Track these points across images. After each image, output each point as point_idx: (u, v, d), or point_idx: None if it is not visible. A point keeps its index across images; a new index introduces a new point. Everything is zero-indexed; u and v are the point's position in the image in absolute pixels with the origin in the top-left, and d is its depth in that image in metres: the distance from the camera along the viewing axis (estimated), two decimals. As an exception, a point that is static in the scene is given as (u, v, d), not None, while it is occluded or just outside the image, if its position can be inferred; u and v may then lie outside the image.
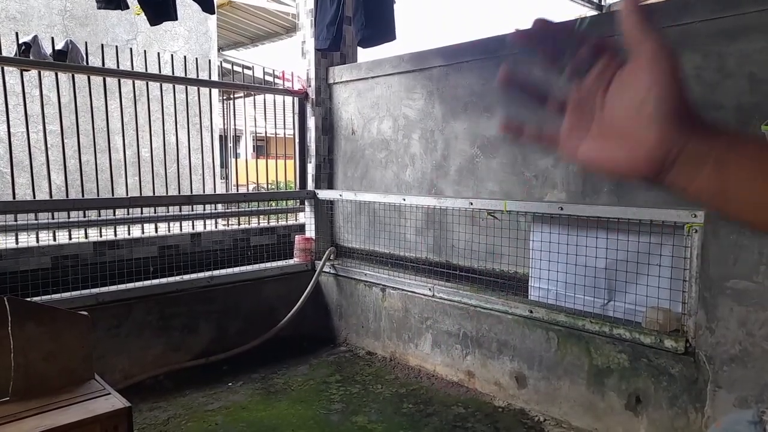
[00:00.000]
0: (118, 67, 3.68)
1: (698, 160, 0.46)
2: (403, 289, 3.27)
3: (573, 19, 3.48)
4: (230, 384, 3.01)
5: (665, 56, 0.46)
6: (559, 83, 0.55)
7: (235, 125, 8.64)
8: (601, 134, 0.50)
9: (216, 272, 3.42)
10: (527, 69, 0.56)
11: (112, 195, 3.70)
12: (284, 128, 4.53)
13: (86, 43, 3.75)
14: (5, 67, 3.19)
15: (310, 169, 4.02)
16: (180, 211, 4.15)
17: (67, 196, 3.65)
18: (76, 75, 3.60)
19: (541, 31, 0.51)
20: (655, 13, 2.45)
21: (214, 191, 5.01)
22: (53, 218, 3.54)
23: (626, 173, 0.49)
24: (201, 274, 3.36)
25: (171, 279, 3.22)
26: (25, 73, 3.51)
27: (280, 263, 3.79)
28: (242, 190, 6.11)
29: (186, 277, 3.28)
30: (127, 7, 3.21)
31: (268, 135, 5.20)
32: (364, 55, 4.09)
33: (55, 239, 3.47)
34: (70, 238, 3.60)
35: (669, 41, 0.47)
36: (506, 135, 0.60)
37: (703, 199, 0.48)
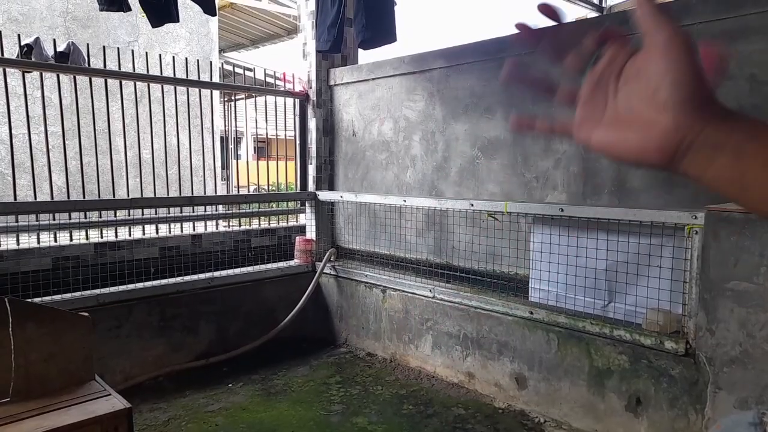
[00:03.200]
0: (119, 68, 3.70)
1: (714, 147, 0.45)
2: (403, 291, 3.27)
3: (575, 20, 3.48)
4: (230, 385, 3.01)
5: (680, 42, 0.46)
6: (568, 74, 0.55)
7: (236, 127, 8.65)
8: (616, 121, 0.50)
9: (217, 273, 3.43)
10: (533, 64, 0.56)
11: (113, 196, 3.71)
12: (285, 130, 4.53)
13: (88, 44, 3.76)
14: (7, 69, 3.20)
15: (311, 170, 4.02)
16: (181, 212, 4.15)
17: (69, 197, 3.66)
18: (77, 76, 3.61)
19: (547, 16, 0.51)
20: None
21: (215, 193, 5.02)
22: (54, 219, 3.55)
23: (640, 159, 0.49)
24: (202, 275, 3.36)
25: (172, 280, 3.22)
26: (26, 74, 3.52)
27: (280, 264, 3.79)
28: (243, 191, 6.11)
29: (187, 278, 3.29)
30: (129, 9, 3.22)
31: (269, 136, 5.21)
32: (365, 56, 4.10)
33: (56, 240, 3.48)
34: (71, 239, 3.60)
35: (685, 29, 0.46)
36: (518, 131, 0.60)
37: (718, 188, 0.47)
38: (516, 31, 0.52)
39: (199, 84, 4.90)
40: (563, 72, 0.53)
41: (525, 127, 0.58)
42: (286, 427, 2.55)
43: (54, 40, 3.65)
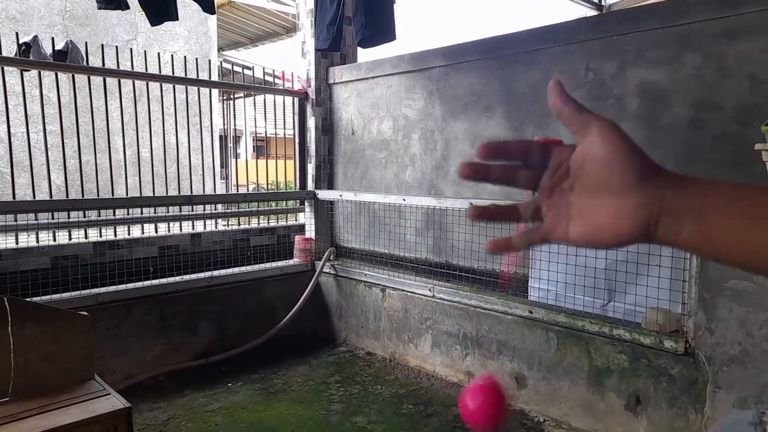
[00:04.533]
0: (118, 67, 3.68)
1: (679, 213, 0.47)
2: (403, 290, 3.27)
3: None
4: (230, 384, 3.01)
5: (611, 129, 0.49)
6: (523, 188, 0.57)
7: (235, 125, 8.64)
8: (583, 214, 0.52)
9: (216, 272, 3.42)
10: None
11: (112, 195, 3.70)
12: (284, 128, 4.53)
13: (86, 43, 3.75)
14: (5, 68, 3.19)
15: (310, 169, 4.02)
16: (180, 211, 4.15)
17: (67, 196, 3.65)
18: (76, 75, 3.60)
19: (486, 155, 0.54)
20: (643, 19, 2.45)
21: (214, 191, 5.01)
22: (53, 218, 3.55)
23: (620, 241, 0.50)
24: (201, 275, 3.36)
25: (171, 279, 3.22)
26: (25, 73, 3.51)
27: (280, 263, 3.79)
28: (242, 190, 6.11)
29: (186, 277, 3.28)
30: (128, 8, 3.21)
31: (268, 135, 5.20)
32: (364, 55, 4.10)
33: (54, 239, 3.47)
34: (70, 239, 3.60)
35: (607, 117, 0.49)
36: (494, 254, 0.62)
37: (694, 251, 0.49)
38: (462, 171, 0.56)
39: (198, 82, 4.91)
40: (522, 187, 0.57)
41: (502, 248, 0.59)
42: (285, 426, 2.55)
43: (52, 39, 3.64)
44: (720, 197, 0.47)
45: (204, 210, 4.22)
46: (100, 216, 3.74)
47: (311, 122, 3.98)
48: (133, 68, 3.75)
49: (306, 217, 4.07)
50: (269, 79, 4.88)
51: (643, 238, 0.49)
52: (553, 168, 0.53)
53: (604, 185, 0.49)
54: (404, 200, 3.28)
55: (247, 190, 5.79)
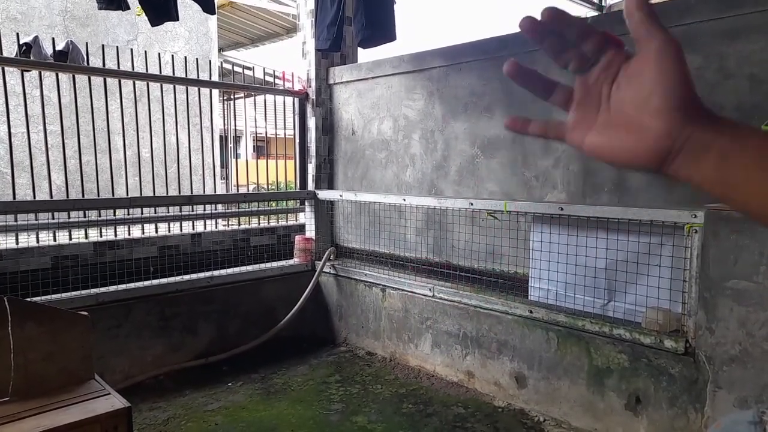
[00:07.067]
0: (118, 67, 3.69)
1: (701, 150, 0.47)
2: (403, 290, 3.27)
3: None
4: (230, 384, 3.01)
5: (672, 50, 0.48)
6: (565, 76, 0.55)
7: (235, 125, 8.64)
8: (608, 125, 0.51)
9: (216, 272, 3.42)
10: (533, 64, 0.57)
11: (113, 195, 3.70)
12: (284, 129, 4.53)
13: (87, 43, 3.76)
14: (6, 68, 3.19)
15: (311, 169, 4.02)
16: (180, 211, 4.15)
17: (68, 196, 3.65)
18: (76, 75, 3.60)
19: (550, 21, 0.51)
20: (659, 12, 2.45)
21: (215, 191, 5.02)
22: (53, 218, 3.55)
23: (632, 162, 0.50)
24: (201, 275, 3.36)
25: (171, 279, 3.22)
26: (25, 73, 3.51)
27: (280, 263, 3.79)
28: (242, 190, 6.11)
29: (186, 277, 3.28)
30: (128, 8, 3.21)
31: (268, 135, 5.20)
32: (365, 55, 4.10)
33: (55, 239, 3.48)
34: (70, 239, 3.60)
35: (676, 37, 0.48)
36: (512, 131, 0.61)
37: (706, 189, 0.49)
38: (521, 26, 0.52)
39: (199, 83, 4.90)
40: (561, 72, 0.54)
41: (519, 127, 0.59)
42: (285, 426, 2.55)
43: (53, 39, 3.64)
44: (750, 143, 0.47)
45: (204, 210, 4.22)
46: (100, 216, 3.74)
47: (311, 122, 3.98)
48: (133, 69, 3.75)
49: (306, 217, 4.07)
50: (269, 79, 4.88)
51: (655, 166, 0.49)
52: (602, 68, 0.52)
53: (642, 102, 0.49)
54: (404, 200, 3.28)
55: (247, 190, 5.79)
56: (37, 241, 3.35)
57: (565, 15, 0.51)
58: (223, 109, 7.65)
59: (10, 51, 3.90)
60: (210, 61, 6.43)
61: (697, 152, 0.47)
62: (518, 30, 0.52)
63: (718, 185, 0.48)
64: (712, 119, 0.48)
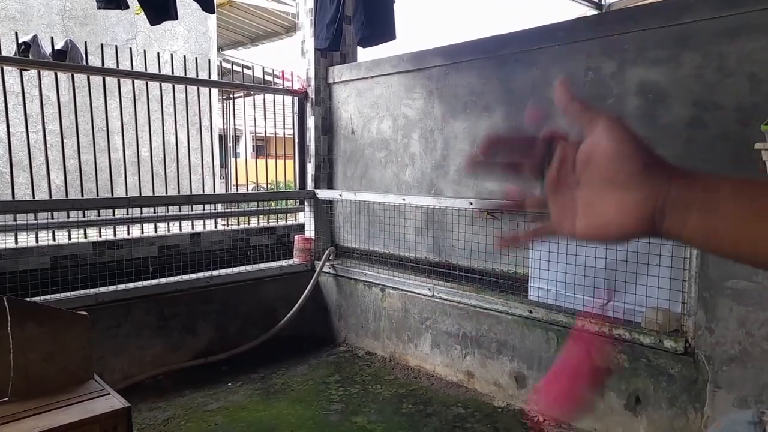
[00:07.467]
0: (117, 66, 3.68)
1: (684, 206, 0.48)
2: (402, 289, 3.27)
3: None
4: (229, 384, 3.01)
5: (619, 123, 0.50)
6: (528, 179, 0.58)
7: (234, 125, 8.63)
8: (589, 208, 0.52)
9: (215, 272, 3.42)
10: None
11: (112, 195, 3.70)
12: (284, 128, 4.52)
13: (86, 42, 3.75)
14: (5, 67, 3.19)
15: (310, 168, 4.02)
16: (179, 211, 4.15)
17: (67, 196, 3.64)
18: (75, 75, 3.59)
19: (490, 146, 0.56)
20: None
21: (214, 191, 5.01)
22: (52, 218, 3.54)
23: (627, 235, 0.51)
24: (200, 274, 3.36)
25: (170, 279, 3.22)
26: (24, 72, 3.51)
27: (279, 263, 3.79)
28: (242, 189, 6.11)
29: (185, 277, 3.28)
30: (127, 7, 3.20)
31: (267, 135, 5.20)
32: (364, 54, 4.09)
33: (54, 239, 3.47)
34: (70, 238, 3.60)
35: (612, 112, 0.51)
36: (505, 248, 0.65)
37: (697, 244, 0.50)
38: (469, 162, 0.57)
39: (198, 82, 4.90)
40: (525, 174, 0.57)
41: (509, 246, 0.62)
42: (285, 426, 2.55)
43: (52, 38, 3.63)
44: (724, 190, 0.47)
45: (203, 210, 4.22)
46: (99, 216, 3.73)
47: (311, 122, 3.97)
48: (132, 68, 3.74)
49: (305, 217, 4.07)
50: (269, 78, 4.87)
51: (648, 232, 0.50)
52: (559, 162, 0.54)
53: (610, 179, 0.50)
54: (404, 200, 3.28)
55: (247, 189, 5.79)
56: (37, 241, 3.35)
57: (500, 137, 0.56)
58: (223, 109, 7.64)
59: (9, 50, 3.89)
60: (209, 60, 6.42)
61: (680, 209, 0.48)
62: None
63: (707, 238, 0.48)
64: (683, 174, 0.49)
